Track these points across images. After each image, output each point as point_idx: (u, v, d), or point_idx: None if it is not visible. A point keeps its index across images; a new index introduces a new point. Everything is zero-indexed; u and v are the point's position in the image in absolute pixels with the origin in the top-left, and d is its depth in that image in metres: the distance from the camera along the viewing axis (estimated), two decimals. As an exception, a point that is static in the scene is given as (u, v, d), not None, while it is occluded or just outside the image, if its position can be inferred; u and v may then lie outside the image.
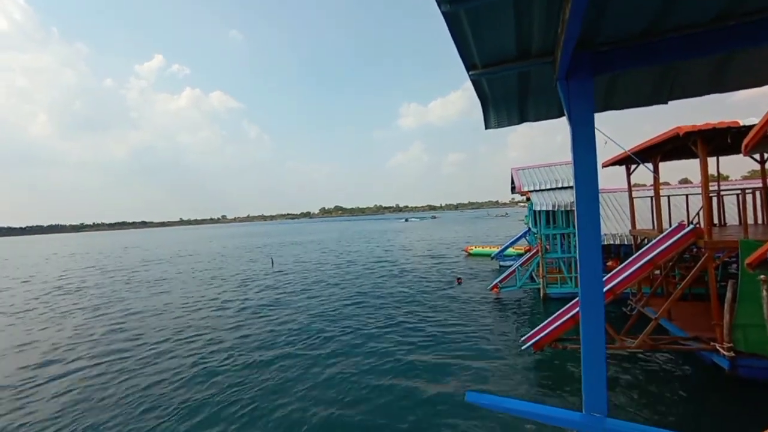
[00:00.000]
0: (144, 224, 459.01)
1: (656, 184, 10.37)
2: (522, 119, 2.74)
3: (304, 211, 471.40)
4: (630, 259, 8.72)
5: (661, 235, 8.58)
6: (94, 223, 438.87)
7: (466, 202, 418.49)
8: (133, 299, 18.81)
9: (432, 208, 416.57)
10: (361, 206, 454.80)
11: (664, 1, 1.58)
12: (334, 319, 13.18)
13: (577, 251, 1.89)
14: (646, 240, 11.18)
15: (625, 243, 13.99)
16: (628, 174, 11.85)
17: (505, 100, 2.54)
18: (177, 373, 9.25)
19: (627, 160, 11.10)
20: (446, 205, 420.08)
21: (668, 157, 10.79)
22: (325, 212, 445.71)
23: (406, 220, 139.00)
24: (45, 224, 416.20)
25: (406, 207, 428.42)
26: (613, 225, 14.79)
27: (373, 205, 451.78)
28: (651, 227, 11.29)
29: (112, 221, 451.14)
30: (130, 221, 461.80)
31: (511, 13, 1.55)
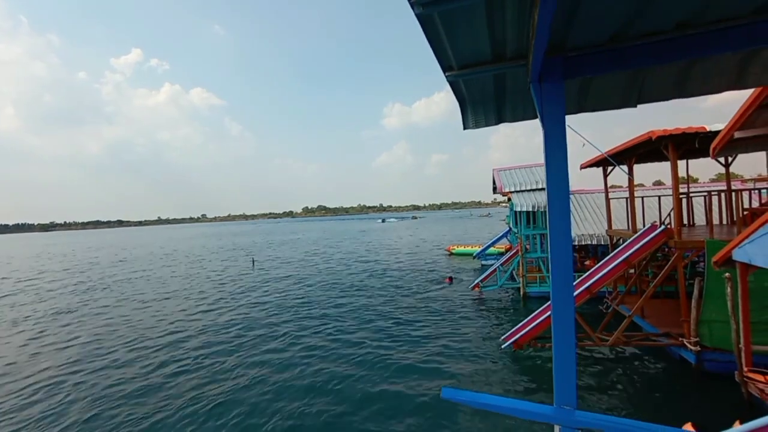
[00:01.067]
0: (120, 223, 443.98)
1: (631, 186, 10.75)
2: (499, 120, 2.79)
3: (287, 211, 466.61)
4: (606, 259, 9.01)
5: (635, 235, 8.90)
6: (65, 222, 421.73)
7: (449, 202, 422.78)
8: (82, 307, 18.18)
9: (416, 207, 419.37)
10: (344, 206, 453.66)
11: (631, 9, 1.66)
12: (316, 318, 13.09)
13: (549, 249, 1.95)
14: (621, 240, 11.57)
15: (602, 243, 14.43)
16: (605, 175, 12.24)
17: (483, 101, 2.58)
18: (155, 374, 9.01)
19: (604, 162, 11.45)
20: (430, 205, 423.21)
21: (643, 159, 11.20)
22: (308, 212, 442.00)
23: (383, 221, 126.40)
24: (11, 223, 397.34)
25: (390, 207, 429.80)
26: (591, 225, 15.24)
27: (357, 204, 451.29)
28: (627, 228, 11.69)
29: (86, 220, 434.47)
30: (105, 220, 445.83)
31: (484, 17, 1.58)
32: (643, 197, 12.50)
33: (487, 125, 2.75)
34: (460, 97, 2.48)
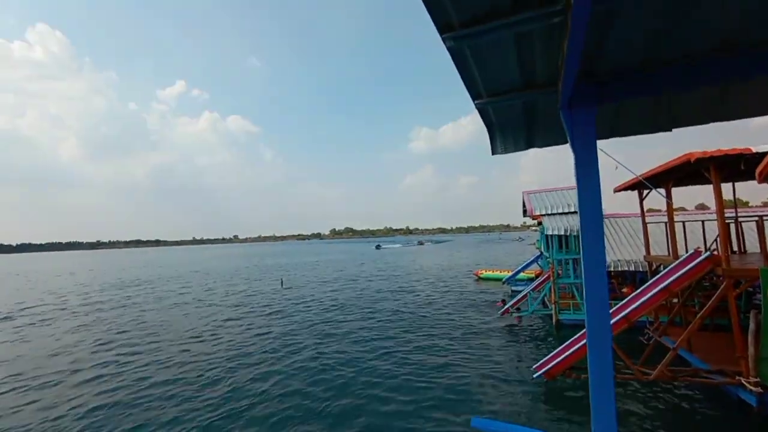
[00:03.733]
0: (158, 242, 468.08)
1: (670, 210, 10.21)
2: (529, 145, 2.80)
3: (315, 232, 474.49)
4: (645, 286, 8.49)
5: (676, 262, 8.37)
6: (110, 241, 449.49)
7: (477, 225, 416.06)
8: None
9: (443, 230, 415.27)
10: (371, 228, 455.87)
11: (662, 33, 1.66)
12: (351, 341, 13.03)
13: (583, 277, 1.91)
14: (661, 266, 10.90)
15: (640, 270, 13.64)
16: (641, 199, 11.71)
17: (512, 127, 2.60)
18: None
19: (639, 185, 10.99)
20: (457, 228, 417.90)
21: (682, 182, 10.65)
22: (335, 234, 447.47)
23: (378, 248, 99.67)
24: (64, 241, 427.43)
25: (417, 229, 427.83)
26: (627, 251, 14.48)
27: (384, 227, 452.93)
28: (666, 253, 11.03)
29: (128, 239, 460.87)
30: (145, 239, 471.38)
31: (513, 49, 1.64)
32: (684, 222, 11.82)
33: (516, 150, 2.77)
34: (488, 123, 2.51)
